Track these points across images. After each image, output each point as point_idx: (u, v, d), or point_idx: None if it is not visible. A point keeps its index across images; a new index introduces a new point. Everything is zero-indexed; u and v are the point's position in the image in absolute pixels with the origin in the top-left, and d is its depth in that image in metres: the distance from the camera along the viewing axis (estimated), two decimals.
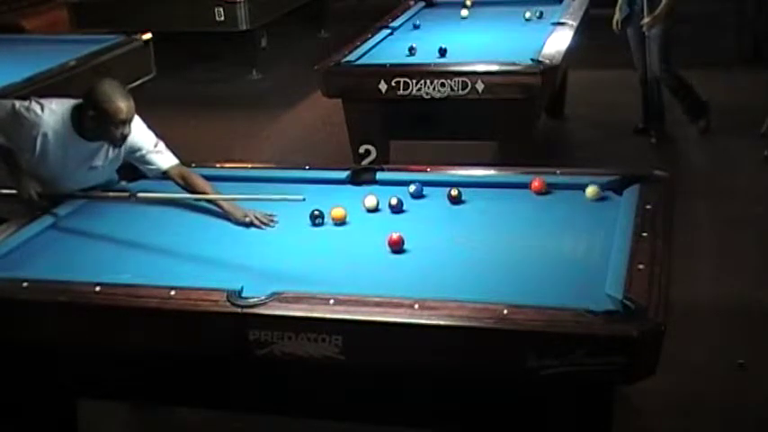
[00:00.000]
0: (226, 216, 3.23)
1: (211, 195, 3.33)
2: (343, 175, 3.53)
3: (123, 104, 3.21)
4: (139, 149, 3.44)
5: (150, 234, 3.16)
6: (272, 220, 3.19)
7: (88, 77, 5.32)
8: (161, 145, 3.49)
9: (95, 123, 3.24)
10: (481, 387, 2.50)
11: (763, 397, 3.50)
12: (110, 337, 2.67)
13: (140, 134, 3.45)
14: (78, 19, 8.11)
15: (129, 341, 2.66)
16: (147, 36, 5.87)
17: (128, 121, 3.24)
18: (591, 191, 3.19)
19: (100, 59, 5.43)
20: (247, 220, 3.18)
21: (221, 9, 7.80)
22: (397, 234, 2.91)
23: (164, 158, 3.46)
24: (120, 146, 3.35)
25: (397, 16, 6.20)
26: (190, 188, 3.37)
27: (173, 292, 2.58)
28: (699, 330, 3.81)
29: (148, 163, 3.46)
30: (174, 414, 3.53)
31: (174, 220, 3.29)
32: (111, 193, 3.43)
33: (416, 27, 6.01)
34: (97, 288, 2.65)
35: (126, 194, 3.38)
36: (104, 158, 3.42)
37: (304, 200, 3.08)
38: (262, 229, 3.17)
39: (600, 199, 3.18)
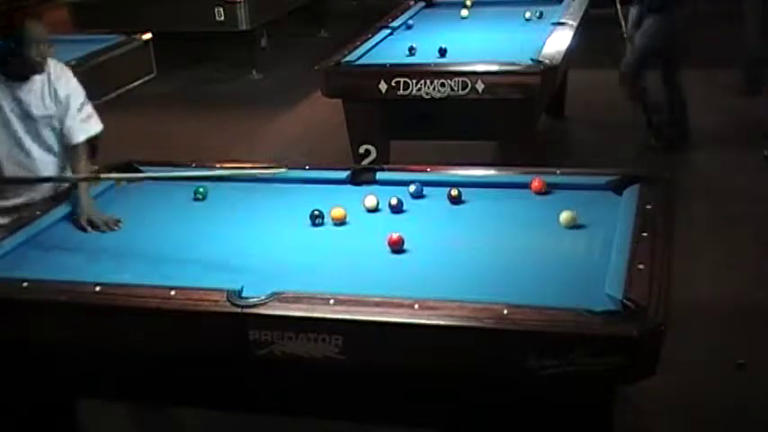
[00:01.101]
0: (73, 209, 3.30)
1: (182, 173, 3.39)
2: (343, 175, 3.53)
3: (32, 23, 3.34)
4: (68, 98, 3.49)
5: (150, 234, 3.16)
6: (115, 225, 3.23)
7: (88, 77, 5.34)
8: (87, 108, 3.56)
9: (12, 52, 3.32)
10: (481, 387, 2.50)
11: (764, 397, 3.50)
12: (110, 337, 2.67)
13: (71, 85, 3.53)
14: (78, 19, 8.13)
15: (129, 341, 2.66)
16: (147, 36, 5.87)
17: (42, 41, 3.37)
18: (566, 217, 2.99)
19: (100, 59, 5.43)
20: (89, 228, 3.21)
21: (221, 9, 7.81)
22: (397, 234, 2.91)
23: (79, 129, 3.50)
24: (42, 72, 3.41)
25: (397, 16, 6.20)
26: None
27: (173, 292, 2.59)
28: (699, 330, 3.81)
29: (66, 128, 3.49)
30: (174, 414, 3.53)
31: (174, 219, 3.30)
32: (70, 175, 3.47)
33: (409, 27, 6.00)
34: (97, 288, 2.65)
35: (91, 176, 3.44)
36: (39, 101, 3.44)
37: (287, 170, 3.24)
38: (103, 231, 3.20)
39: (574, 227, 2.97)
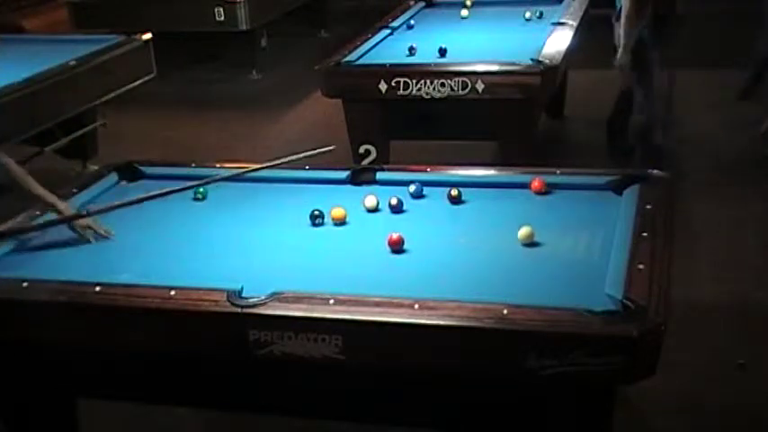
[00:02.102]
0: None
1: (203, 181, 3.23)
2: (343, 175, 3.53)
3: None
4: None
5: (150, 234, 3.16)
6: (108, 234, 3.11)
7: (88, 77, 5.34)
8: None
9: None
10: (481, 387, 2.50)
11: (764, 397, 3.50)
12: (109, 337, 2.67)
13: None
14: (78, 19, 8.12)
15: (129, 341, 2.66)
16: (147, 36, 5.87)
17: None
18: (524, 233, 2.88)
19: (100, 59, 5.43)
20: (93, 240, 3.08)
21: (221, 9, 7.80)
22: (397, 234, 2.91)
23: None
24: None
25: (397, 16, 6.20)
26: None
27: (173, 292, 2.58)
28: (699, 330, 3.81)
29: None
30: (174, 414, 3.52)
31: (173, 219, 3.29)
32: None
33: (410, 27, 6.00)
34: (97, 288, 2.65)
35: (82, 213, 3.17)
36: None
37: (334, 148, 3.14)
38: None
39: (530, 244, 2.89)
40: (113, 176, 3.62)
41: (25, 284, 2.72)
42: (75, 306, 2.65)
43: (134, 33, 5.86)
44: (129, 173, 3.64)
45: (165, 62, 6.34)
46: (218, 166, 3.73)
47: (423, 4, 6.67)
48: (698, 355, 3.68)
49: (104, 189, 3.53)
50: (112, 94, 5.54)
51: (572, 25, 5.58)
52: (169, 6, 7.93)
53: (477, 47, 5.35)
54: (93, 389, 2.96)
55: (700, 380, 3.58)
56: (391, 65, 4.95)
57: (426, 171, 3.53)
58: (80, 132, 5.69)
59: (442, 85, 4.67)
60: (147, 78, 5.84)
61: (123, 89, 5.62)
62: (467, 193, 3.31)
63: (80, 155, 5.86)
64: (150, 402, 3.26)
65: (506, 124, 4.75)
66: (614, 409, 2.52)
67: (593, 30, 6.21)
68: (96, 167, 4.13)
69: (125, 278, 2.72)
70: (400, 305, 2.45)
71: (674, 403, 3.42)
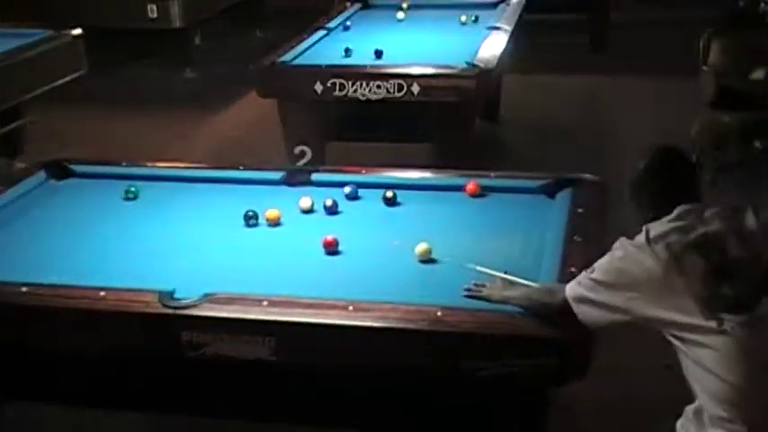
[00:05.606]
0: None
1: None
2: (278, 175, 3.51)
3: None
4: None
5: (80, 235, 3.10)
6: None
7: (14, 72, 5.21)
8: None
9: None
10: (417, 389, 2.51)
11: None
12: (38, 338, 2.61)
13: None
14: (2, 11, 7.91)
15: (57, 343, 2.60)
16: (77, 31, 5.76)
17: None
18: (421, 249, 2.83)
19: (27, 54, 5.31)
20: None
21: (154, 6, 7.69)
22: (332, 235, 2.90)
23: None
24: None
25: (334, 17, 6.20)
26: None
27: (103, 293, 2.54)
28: (628, 334, 3.86)
29: None
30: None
31: (105, 219, 3.23)
32: None
33: (347, 28, 6.01)
34: (23, 288, 2.59)
35: None
36: None
37: None
38: None
39: (427, 261, 2.84)
40: (41, 174, 3.53)
41: None
42: (0, 306, 2.58)
43: (64, 28, 5.74)
44: (58, 171, 3.56)
45: (99, 59, 6.23)
46: (149, 164, 3.68)
47: (359, 5, 6.67)
48: (627, 358, 3.73)
49: (32, 187, 3.44)
50: (39, 90, 5.42)
51: (507, 30, 5.64)
52: (100, 2, 7.79)
53: (413, 49, 5.37)
54: (22, 392, 2.88)
55: (629, 381, 3.63)
56: (327, 66, 4.94)
57: (362, 173, 3.53)
58: (6, 129, 5.55)
59: (378, 86, 4.68)
60: (76, 75, 5.72)
61: (51, 85, 5.51)
62: (402, 195, 3.32)
63: (7, 152, 5.72)
64: (84, 406, 3.19)
65: (442, 127, 4.77)
66: (549, 411, 2.55)
67: (527, 35, 6.28)
68: (24, 165, 4.02)
69: (53, 278, 2.66)
70: (334, 306, 2.44)
71: (605, 404, 3.47)
